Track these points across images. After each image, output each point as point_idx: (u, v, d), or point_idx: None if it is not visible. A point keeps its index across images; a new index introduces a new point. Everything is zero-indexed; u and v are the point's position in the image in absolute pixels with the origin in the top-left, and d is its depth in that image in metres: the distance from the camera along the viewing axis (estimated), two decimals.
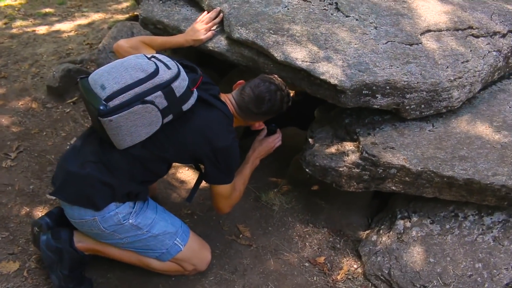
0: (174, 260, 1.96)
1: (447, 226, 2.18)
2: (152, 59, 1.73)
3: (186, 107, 1.77)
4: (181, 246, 1.95)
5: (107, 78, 1.64)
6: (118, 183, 1.79)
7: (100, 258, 2.04)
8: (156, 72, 1.66)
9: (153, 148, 1.80)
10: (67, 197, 1.82)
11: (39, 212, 2.37)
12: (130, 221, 1.84)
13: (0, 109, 3.20)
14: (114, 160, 1.79)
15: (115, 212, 1.80)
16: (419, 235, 2.18)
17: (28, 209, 2.39)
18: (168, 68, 1.71)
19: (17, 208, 2.38)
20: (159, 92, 1.65)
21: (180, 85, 1.71)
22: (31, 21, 5.09)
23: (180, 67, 1.76)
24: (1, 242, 2.17)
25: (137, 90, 1.63)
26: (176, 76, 1.70)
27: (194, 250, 2.02)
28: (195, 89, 1.80)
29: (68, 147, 1.95)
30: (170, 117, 1.75)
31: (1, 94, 3.38)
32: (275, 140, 2.23)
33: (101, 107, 1.59)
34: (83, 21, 5.12)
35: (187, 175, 2.78)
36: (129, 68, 1.66)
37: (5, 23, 4.99)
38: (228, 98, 2.02)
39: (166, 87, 1.67)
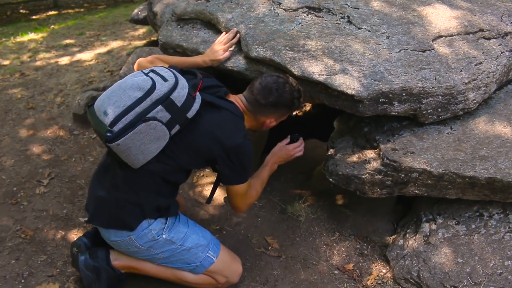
0: (207, 272, 2.01)
1: (473, 226, 2.20)
2: (150, 73, 1.75)
3: (190, 114, 1.77)
4: (213, 258, 2.00)
5: (108, 104, 1.68)
6: (145, 201, 1.86)
7: (136, 276, 2.11)
8: (153, 88, 1.68)
9: (167, 160, 1.82)
10: (102, 223, 1.92)
11: (74, 235, 2.45)
12: (164, 236, 1.91)
13: (31, 138, 3.33)
14: (135, 179, 1.84)
15: (149, 229, 1.88)
16: (445, 236, 2.21)
17: (63, 233, 2.48)
18: (165, 80, 1.72)
19: (52, 232, 2.47)
20: (160, 107, 1.67)
21: (180, 95, 1.71)
22: (53, 53, 5.28)
23: (178, 76, 1.77)
24: (40, 265, 2.26)
25: (138, 109, 1.66)
26: (174, 87, 1.71)
27: (225, 262, 2.06)
28: (197, 94, 1.80)
29: (93, 174, 2.03)
30: (177, 127, 1.76)
31: (31, 124, 3.52)
32: (296, 149, 2.22)
33: (107, 134, 1.64)
34: (102, 49, 5.28)
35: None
36: (127, 89, 1.69)
37: (29, 56, 5.19)
38: (238, 97, 2.02)
39: (165, 100, 1.68)
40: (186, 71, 1.92)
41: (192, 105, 1.77)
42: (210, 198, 2.16)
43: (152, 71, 1.78)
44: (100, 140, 1.87)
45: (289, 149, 2.22)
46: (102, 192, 1.90)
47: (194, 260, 1.98)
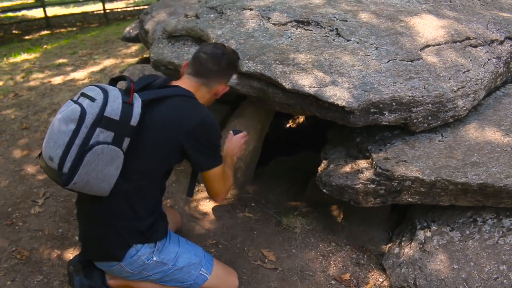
0: None
1: (467, 232, 2.22)
2: (79, 99, 1.64)
3: (134, 121, 1.65)
4: (206, 275, 2.00)
5: (50, 147, 1.60)
6: (124, 229, 1.80)
7: None
8: (84, 113, 1.58)
9: (135, 174, 1.76)
10: (92, 257, 1.93)
11: (70, 254, 2.44)
12: (154, 259, 1.88)
13: (25, 158, 3.33)
14: (108, 208, 1.78)
15: (137, 255, 1.85)
16: (440, 243, 2.22)
17: (59, 252, 2.47)
18: (93, 100, 1.61)
19: (48, 252, 2.46)
20: (98, 129, 1.58)
21: (114, 108, 1.61)
22: (46, 73, 5.30)
23: (107, 89, 1.66)
24: (36, 285, 2.24)
25: (77, 141, 1.57)
26: (105, 103, 1.60)
27: (219, 278, 2.06)
28: (134, 98, 1.69)
29: (76, 208, 2.01)
30: (127, 140, 1.66)
31: (25, 144, 3.52)
32: (241, 138, 2.16)
33: (62, 178, 1.58)
34: (95, 68, 5.32)
35: (208, 206, 2.86)
36: (60, 126, 1.59)
37: (23, 77, 5.21)
38: (182, 79, 1.93)
39: (101, 120, 1.58)
40: (116, 79, 1.83)
41: (132, 112, 1.65)
42: (191, 191, 2.05)
43: (81, 94, 1.67)
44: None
45: (237, 138, 2.15)
46: (84, 226, 1.90)
47: (187, 279, 1.97)
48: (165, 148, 1.77)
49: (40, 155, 1.70)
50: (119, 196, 1.74)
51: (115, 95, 1.64)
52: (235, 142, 2.14)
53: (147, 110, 1.72)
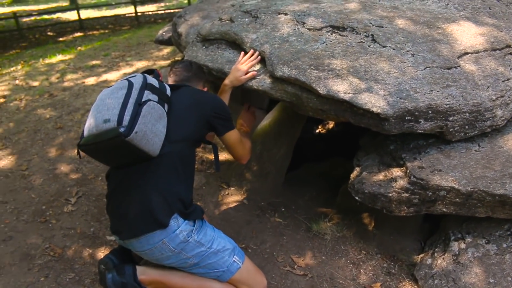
0: (233, 281, 2.04)
1: (504, 245, 2.16)
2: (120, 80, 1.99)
3: (168, 92, 2.03)
4: (239, 263, 2.04)
5: (103, 113, 1.80)
6: (167, 191, 1.92)
7: None
8: (131, 83, 1.89)
9: (176, 136, 1.96)
10: (134, 233, 1.93)
11: (101, 253, 2.49)
12: (194, 236, 1.95)
13: (59, 157, 3.40)
14: (154, 171, 1.92)
15: (179, 230, 1.91)
16: (475, 255, 2.17)
17: (90, 251, 2.51)
18: (134, 76, 1.96)
19: (80, 250, 2.51)
20: (146, 91, 1.88)
21: (153, 80, 1.98)
22: (80, 74, 5.41)
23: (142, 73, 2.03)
24: (68, 283, 2.28)
25: (131, 100, 1.81)
26: (145, 77, 1.96)
27: (250, 272, 2.09)
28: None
29: (107, 201, 2.07)
30: (166, 106, 1.96)
31: (59, 143, 3.60)
32: (249, 111, 2.66)
33: (121, 130, 1.73)
34: (128, 69, 5.40)
35: (238, 210, 2.87)
36: (111, 95, 1.85)
37: (58, 77, 5.34)
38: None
39: (147, 85, 1.91)
40: (146, 71, 2.17)
41: (165, 85, 2.04)
42: (217, 166, 2.29)
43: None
44: (106, 164, 2.01)
45: (248, 111, 2.65)
46: (125, 204, 1.94)
47: (221, 265, 2.01)
48: (196, 120, 2.05)
49: (79, 144, 1.87)
50: (164, 159, 1.92)
51: (150, 76, 2.02)
52: (246, 115, 2.61)
53: (171, 91, 2.07)
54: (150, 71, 2.16)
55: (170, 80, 2.30)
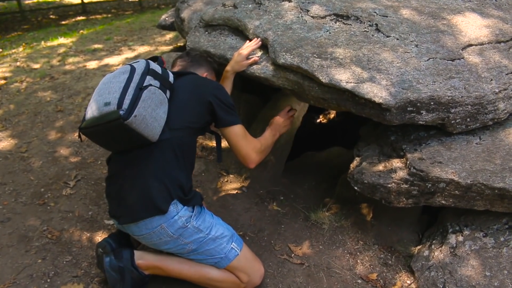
0: (230, 268, 2.04)
1: (502, 239, 2.16)
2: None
3: (171, 78, 2.04)
4: (237, 251, 2.05)
5: (104, 96, 1.81)
6: (167, 177, 1.93)
7: (159, 279, 2.14)
8: (133, 67, 1.91)
9: (177, 123, 1.97)
10: (132, 218, 1.94)
11: (99, 237, 2.49)
12: (193, 222, 1.96)
13: (59, 140, 3.39)
14: (153, 157, 1.93)
15: (178, 215, 1.93)
16: (472, 248, 2.17)
17: (88, 234, 2.51)
18: (137, 62, 1.97)
19: (78, 233, 2.51)
20: (148, 77, 1.89)
21: (155, 66, 1.99)
22: (82, 57, 5.38)
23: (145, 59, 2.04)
24: (65, 265, 2.29)
25: (133, 84, 1.82)
26: (148, 62, 1.98)
27: (248, 259, 2.10)
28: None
29: (106, 185, 2.08)
30: (168, 93, 1.98)
31: (59, 127, 3.59)
32: (287, 115, 2.50)
33: (121, 112, 1.73)
34: (129, 54, 5.37)
35: (237, 198, 2.86)
36: (113, 79, 1.87)
37: (59, 60, 5.30)
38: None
39: (149, 71, 1.92)
40: (150, 59, 2.15)
41: (168, 72, 2.06)
42: (219, 156, 2.32)
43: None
44: (110, 143, 1.96)
45: (286, 114, 2.51)
46: (124, 189, 1.95)
47: (219, 252, 2.01)
48: (197, 105, 2.04)
49: (81, 127, 1.87)
50: (164, 145, 1.93)
51: (153, 63, 2.03)
52: (282, 119, 2.47)
53: (174, 79, 2.09)
54: (154, 58, 2.16)
55: (175, 69, 2.30)
